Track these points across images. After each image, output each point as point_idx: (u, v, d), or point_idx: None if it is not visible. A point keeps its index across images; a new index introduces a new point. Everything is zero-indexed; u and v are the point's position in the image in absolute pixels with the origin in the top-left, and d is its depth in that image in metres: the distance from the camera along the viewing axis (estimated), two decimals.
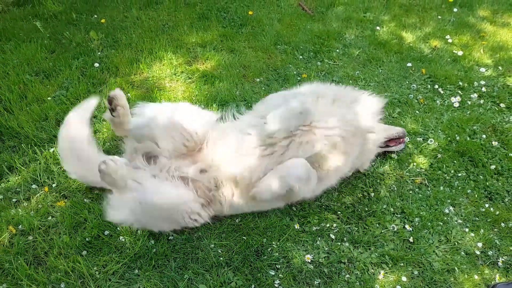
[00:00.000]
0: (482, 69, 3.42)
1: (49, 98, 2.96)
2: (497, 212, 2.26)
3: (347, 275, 1.96)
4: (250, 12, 4.18)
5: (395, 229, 2.16)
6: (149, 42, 3.68)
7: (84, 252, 1.98)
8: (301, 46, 3.80)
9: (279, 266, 1.99)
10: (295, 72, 3.45)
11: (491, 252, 2.08)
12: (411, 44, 3.76)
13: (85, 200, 2.26)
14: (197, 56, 3.60)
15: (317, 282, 1.92)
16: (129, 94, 3.04)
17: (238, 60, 3.58)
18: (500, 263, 2.02)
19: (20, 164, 2.42)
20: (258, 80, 3.33)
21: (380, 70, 3.49)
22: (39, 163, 2.47)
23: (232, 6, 4.43)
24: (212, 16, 4.18)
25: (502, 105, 3.00)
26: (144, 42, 3.69)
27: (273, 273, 1.95)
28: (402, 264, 2.02)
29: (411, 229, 2.16)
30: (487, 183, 2.43)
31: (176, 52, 3.61)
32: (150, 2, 4.47)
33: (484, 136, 2.72)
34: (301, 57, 3.68)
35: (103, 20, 4.01)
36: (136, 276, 1.91)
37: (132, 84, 3.20)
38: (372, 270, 2.00)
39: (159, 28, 3.98)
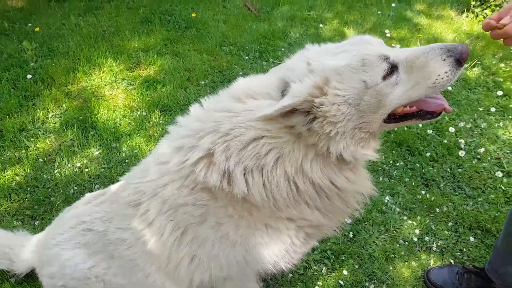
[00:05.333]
0: None
1: None
2: (433, 198, 2.35)
3: (290, 274, 1.96)
4: (193, 14, 4.12)
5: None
6: (88, 50, 3.53)
7: (13, 279, 1.85)
8: (247, 46, 3.79)
9: None
10: (240, 73, 3.43)
11: (428, 237, 2.16)
12: None
13: (15, 222, 2.12)
14: (139, 61, 3.49)
15: (260, 285, 1.91)
16: (64, 106, 2.90)
17: (182, 63, 3.51)
18: (434, 248, 2.10)
19: None
20: (203, 83, 3.28)
21: None
22: None
23: (176, 8, 4.34)
24: (156, 19, 4.08)
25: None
26: (82, 49, 3.53)
27: None
28: (343, 258, 2.05)
29: (351, 222, 2.20)
30: (423, 171, 2.53)
31: (116, 58, 3.48)
32: (90, 8, 4.30)
33: (420, 125, 2.83)
34: (246, 57, 3.67)
35: (37, 29, 3.80)
36: None
37: (69, 94, 3.05)
38: (315, 267, 2.02)
39: (99, 35, 3.83)
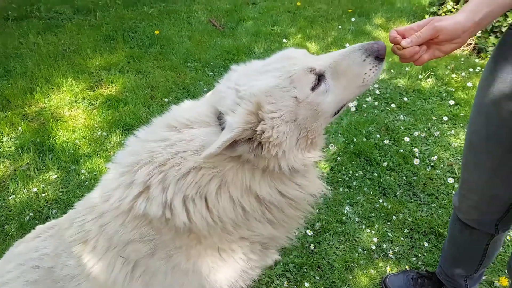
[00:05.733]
0: None
1: None
2: (389, 206, 2.43)
3: None
4: (156, 32, 4.13)
5: (297, 235, 2.23)
6: (47, 69, 3.47)
7: None
8: (212, 62, 3.83)
9: None
10: (205, 89, 3.45)
11: (385, 245, 2.23)
12: (315, 54, 3.97)
13: None
14: (101, 80, 3.46)
15: None
16: (20, 128, 2.82)
17: (145, 81, 3.50)
18: (391, 255, 2.17)
19: None
20: (166, 100, 3.28)
21: None
22: None
23: (140, 25, 4.35)
24: (119, 37, 4.07)
25: (393, 105, 3.28)
26: (41, 69, 3.46)
27: None
28: (305, 270, 2.09)
29: (312, 234, 2.24)
30: (381, 180, 2.62)
31: (77, 77, 3.43)
32: (50, 26, 4.24)
33: (378, 135, 2.94)
34: (211, 73, 3.70)
35: None
36: None
37: (26, 116, 2.98)
38: (278, 281, 2.04)
39: (59, 54, 3.77)
